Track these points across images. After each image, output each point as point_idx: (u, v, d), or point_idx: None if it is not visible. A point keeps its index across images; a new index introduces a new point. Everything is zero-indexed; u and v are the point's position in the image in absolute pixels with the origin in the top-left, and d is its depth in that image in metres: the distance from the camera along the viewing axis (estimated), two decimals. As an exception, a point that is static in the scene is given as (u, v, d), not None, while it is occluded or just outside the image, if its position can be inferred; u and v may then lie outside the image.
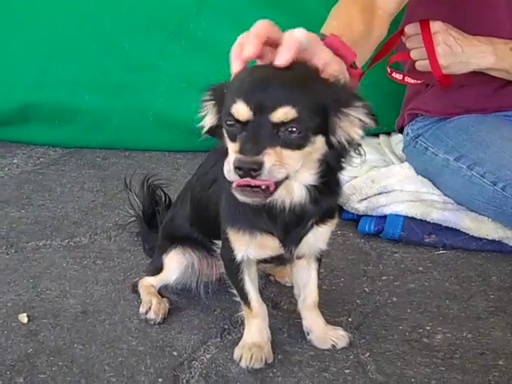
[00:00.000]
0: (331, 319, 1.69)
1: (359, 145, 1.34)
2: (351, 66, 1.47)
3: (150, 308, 1.65)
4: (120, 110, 2.92)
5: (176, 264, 1.69)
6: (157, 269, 1.73)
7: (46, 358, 1.50)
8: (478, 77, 2.15)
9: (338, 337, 1.58)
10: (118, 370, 1.46)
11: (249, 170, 1.19)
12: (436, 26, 2.03)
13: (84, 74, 2.91)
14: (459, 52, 2.03)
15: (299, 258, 1.56)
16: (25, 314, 1.66)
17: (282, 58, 1.26)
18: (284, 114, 1.20)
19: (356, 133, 1.31)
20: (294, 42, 1.27)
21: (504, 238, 2.05)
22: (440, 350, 1.58)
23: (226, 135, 1.28)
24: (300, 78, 1.27)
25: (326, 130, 1.29)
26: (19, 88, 2.94)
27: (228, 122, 1.24)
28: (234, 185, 1.24)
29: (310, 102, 1.24)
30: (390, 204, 2.16)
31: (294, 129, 1.22)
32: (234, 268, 1.50)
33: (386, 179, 2.21)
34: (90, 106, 2.92)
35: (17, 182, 2.60)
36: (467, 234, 2.09)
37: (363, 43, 1.67)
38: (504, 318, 1.72)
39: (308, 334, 1.60)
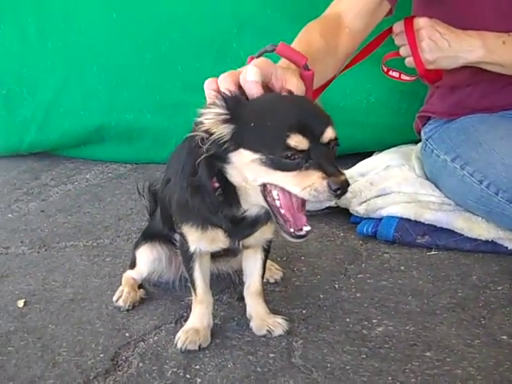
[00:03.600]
0: (285, 310, 1.79)
1: None
2: (304, 68, 1.60)
3: (120, 297, 1.85)
4: (178, 127, 3.16)
5: (144, 258, 1.88)
6: (133, 263, 1.93)
7: (21, 335, 1.75)
8: (483, 75, 2.13)
9: (274, 324, 1.67)
10: (72, 346, 1.68)
11: (346, 187, 1.35)
12: (421, 22, 2.04)
13: (146, 96, 3.21)
14: (446, 47, 2.02)
15: (247, 247, 1.69)
16: (23, 300, 1.93)
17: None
18: (332, 132, 1.38)
19: None
20: (255, 87, 1.42)
21: (497, 238, 2.02)
22: (372, 341, 1.62)
23: (269, 167, 1.36)
24: (314, 103, 1.48)
25: None
26: (94, 111, 3.31)
27: (289, 155, 1.34)
28: (290, 229, 1.43)
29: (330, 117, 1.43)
30: (387, 206, 2.20)
31: (336, 144, 1.41)
32: (187, 257, 1.66)
33: (385, 182, 2.25)
34: (152, 125, 3.22)
35: (78, 193, 2.94)
36: (461, 235, 2.07)
37: (324, 57, 1.82)
38: (459, 314, 1.72)
39: (250, 320, 1.71)
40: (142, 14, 3.09)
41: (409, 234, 2.11)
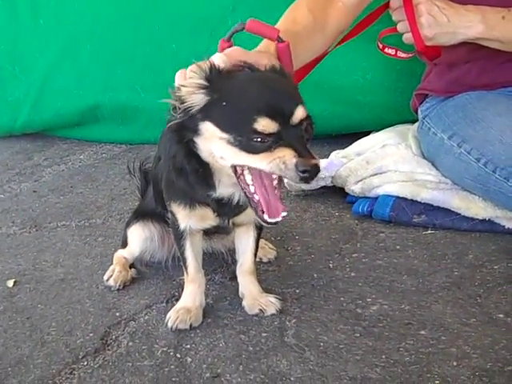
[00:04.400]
0: (278, 290, 1.76)
1: None
2: (278, 41, 1.56)
3: (110, 276, 1.82)
4: (173, 107, 3.13)
5: (136, 237, 1.85)
6: (124, 242, 1.90)
7: (9, 315, 1.72)
8: (482, 51, 2.08)
9: (267, 304, 1.65)
10: (61, 326, 1.65)
11: (315, 172, 1.31)
12: None
13: (140, 75, 3.17)
14: (445, 22, 1.97)
15: (238, 225, 1.66)
16: (12, 280, 1.90)
17: None
18: (302, 112, 1.34)
19: None
20: None
21: (494, 217, 1.99)
22: (366, 320, 1.59)
23: (237, 148, 1.34)
24: (285, 81, 1.44)
25: None
26: (88, 91, 3.27)
27: (257, 139, 1.32)
28: (263, 216, 1.39)
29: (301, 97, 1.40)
30: (383, 185, 2.16)
31: (308, 123, 1.37)
32: (178, 235, 1.63)
33: (381, 160, 2.21)
34: (146, 105, 3.17)
35: (71, 174, 2.91)
36: (459, 215, 2.04)
37: (312, 33, 1.79)
38: (455, 293, 1.69)
39: (242, 300, 1.68)
40: (136, -8, 3.03)
41: (405, 214, 2.08)
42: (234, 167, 1.38)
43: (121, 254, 1.90)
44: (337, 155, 2.42)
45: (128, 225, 1.88)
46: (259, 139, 1.31)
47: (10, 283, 1.88)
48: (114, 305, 1.74)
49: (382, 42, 2.11)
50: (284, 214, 1.39)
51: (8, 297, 1.81)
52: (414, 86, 2.47)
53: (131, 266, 1.90)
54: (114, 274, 1.82)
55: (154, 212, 1.83)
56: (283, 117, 1.32)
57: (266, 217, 1.38)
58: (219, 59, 1.42)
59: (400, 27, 2.04)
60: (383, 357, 1.44)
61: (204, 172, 1.44)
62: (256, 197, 1.38)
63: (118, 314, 1.69)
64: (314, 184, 2.31)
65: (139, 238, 1.84)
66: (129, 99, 3.20)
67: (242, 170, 1.38)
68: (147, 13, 3.08)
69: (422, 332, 1.52)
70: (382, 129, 2.68)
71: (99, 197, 2.57)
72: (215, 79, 1.36)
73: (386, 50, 2.13)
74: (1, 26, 3.28)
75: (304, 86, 2.88)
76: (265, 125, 1.30)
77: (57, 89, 3.28)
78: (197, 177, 1.46)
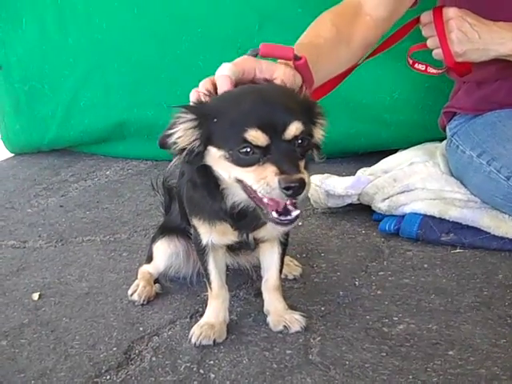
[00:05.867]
0: (303, 307, 1.74)
1: (320, 147, 1.47)
2: (295, 59, 1.55)
3: (135, 291, 1.82)
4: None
5: (161, 253, 1.84)
6: (149, 257, 1.90)
7: (34, 327, 1.72)
8: (513, 69, 2.06)
9: (292, 320, 1.63)
10: (85, 340, 1.65)
11: (298, 188, 1.27)
12: (450, 12, 1.97)
13: (166, 92, 3.18)
14: (476, 38, 1.96)
15: (262, 241, 1.64)
16: (38, 293, 1.90)
17: None
18: (296, 128, 1.31)
19: (322, 136, 1.45)
20: (224, 81, 1.41)
21: (524, 236, 1.94)
22: (393, 339, 1.56)
23: (232, 163, 1.33)
24: (286, 95, 1.41)
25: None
26: (114, 107, 3.30)
27: (245, 150, 1.30)
28: (273, 214, 1.34)
29: (303, 114, 1.36)
30: (410, 203, 2.14)
31: (305, 140, 1.34)
32: (201, 250, 1.62)
33: (409, 178, 2.19)
34: (172, 122, 3.16)
35: (98, 189, 2.92)
36: (488, 233, 2.01)
37: (335, 47, 1.78)
38: (484, 313, 1.66)
39: (267, 316, 1.66)
40: (163, 10, 3.07)
41: (433, 232, 2.05)
42: (240, 181, 1.36)
43: (146, 269, 1.89)
44: (363, 173, 2.40)
45: (154, 240, 1.87)
46: (248, 150, 1.29)
47: (36, 296, 1.89)
48: (137, 319, 1.73)
49: (412, 58, 2.09)
50: (296, 213, 1.34)
51: (33, 309, 1.81)
52: (441, 104, 2.45)
53: (156, 281, 1.89)
54: (138, 289, 1.81)
55: (179, 228, 1.82)
56: (275, 130, 1.29)
57: (274, 214, 1.33)
58: (225, 67, 1.42)
59: (430, 43, 2.02)
60: (410, 377, 1.40)
61: (215, 186, 1.43)
62: (265, 199, 1.33)
63: (141, 328, 1.68)
64: (340, 201, 2.29)
65: (164, 253, 1.83)
66: (155, 116, 3.21)
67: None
68: (174, 30, 3.10)
69: (451, 352, 1.49)
70: (409, 147, 2.65)
71: (125, 212, 2.57)
72: (199, 109, 1.35)
73: (416, 65, 2.11)
74: (30, 44, 3.32)
75: (330, 103, 2.88)
76: (254, 136, 1.28)
77: (84, 106, 3.32)
78: (208, 191, 1.45)
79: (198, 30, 3.05)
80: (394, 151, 2.71)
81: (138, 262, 2.05)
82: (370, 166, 2.48)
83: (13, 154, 3.60)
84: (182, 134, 1.35)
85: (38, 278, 2.02)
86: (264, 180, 1.28)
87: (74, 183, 3.01)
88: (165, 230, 1.87)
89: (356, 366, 1.46)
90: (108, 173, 3.18)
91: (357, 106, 2.87)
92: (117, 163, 3.32)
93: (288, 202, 1.34)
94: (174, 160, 1.39)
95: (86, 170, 3.21)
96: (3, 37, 3.37)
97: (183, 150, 1.35)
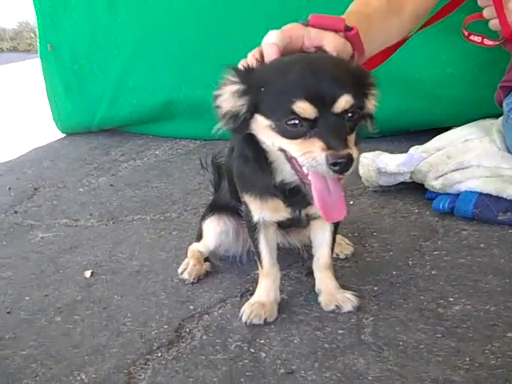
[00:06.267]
0: (355, 287, 1.71)
1: (374, 117, 1.43)
2: (346, 30, 1.51)
3: (185, 269, 1.81)
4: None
5: (211, 231, 1.83)
6: (199, 236, 1.89)
7: (87, 304, 1.74)
8: None
9: (344, 300, 1.60)
10: (136, 317, 1.65)
11: (346, 164, 1.25)
12: None
13: (214, 71, 3.14)
14: None
15: (314, 218, 1.61)
16: (90, 271, 1.92)
17: None
18: (345, 102, 1.27)
19: (375, 106, 1.40)
20: (271, 49, 1.38)
21: None
22: (449, 320, 1.52)
23: (278, 134, 1.31)
24: (337, 65, 1.36)
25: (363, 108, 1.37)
26: (162, 87, 3.29)
27: (292, 123, 1.27)
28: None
29: (354, 86, 1.32)
30: (466, 180, 2.07)
31: (355, 113, 1.31)
32: (252, 227, 1.60)
33: (463, 154, 2.12)
34: (220, 101, 3.15)
35: (147, 168, 2.93)
36: (548, 212, 1.93)
37: (385, 17, 1.72)
38: (545, 294, 1.59)
39: (318, 295, 1.64)
40: (210, -12, 3.02)
41: (489, 211, 1.99)
42: (284, 151, 1.33)
43: (195, 247, 1.89)
44: (416, 150, 2.33)
45: (203, 218, 1.86)
46: (296, 122, 1.25)
47: (88, 274, 1.90)
48: (188, 298, 1.72)
49: (468, 30, 2.02)
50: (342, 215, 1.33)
51: (86, 287, 1.83)
52: (497, 79, 2.36)
53: (206, 259, 1.88)
54: (188, 268, 1.81)
55: (228, 206, 1.80)
56: (323, 103, 1.25)
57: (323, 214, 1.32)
58: (272, 34, 1.38)
59: (486, 13, 1.95)
60: (467, 359, 1.36)
61: (265, 159, 1.41)
62: (309, 177, 1.31)
63: (191, 307, 1.68)
64: (392, 179, 2.24)
65: (214, 231, 1.82)
66: (203, 95, 3.14)
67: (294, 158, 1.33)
68: (221, 7, 3.07)
69: (509, 334, 1.44)
70: (463, 124, 2.57)
71: (174, 191, 2.57)
72: (246, 76, 1.32)
73: (472, 37, 2.04)
74: (80, 23, 3.34)
75: (380, 79, 2.82)
76: (302, 108, 1.24)
77: (132, 86, 3.33)
78: (259, 164, 1.42)
79: (245, 6, 3.01)
80: (447, 128, 2.62)
81: (188, 241, 2.04)
82: (422, 144, 2.41)
83: (64, 135, 3.63)
84: (228, 97, 1.32)
85: (90, 256, 2.03)
86: (310, 154, 1.25)
87: (123, 163, 3.03)
88: (214, 208, 1.85)
89: (410, 347, 1.42)
90: (157, 152, 3.18)
91: (408, 81, 2.80)
92: (166, 143, 3.33)
93: (337, 188, 1.31)
94: (219, 125, 1.36)
95: (136, 150, 3.23)
96: (53, 17, 3.40)
97: (227, 114, 1.32)
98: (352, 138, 1.31)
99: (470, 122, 2.57)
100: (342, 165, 1.23)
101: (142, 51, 3.28)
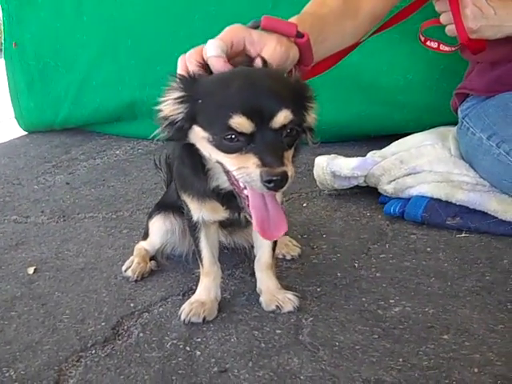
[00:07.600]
0: (299, 287, 1.70)
1: (314, 130, 1.42)
2: (297, 37, 1.50)
3: (129, 267, 1.79)
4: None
5: (157, 229, 1.81)
6: (146, 234, 1.87)
7: (26, 301, 1.71)
8: (527, 49, 1.98)
9: (284, 300, 1.58)
10: (74, 314, 1.63)
11: (280, 181, 1.23)
12: None
13: (178, 72, 3.14)
14: (491, 14, 1.88)
15: None
16: (33, 267, 1.89)
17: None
18: (284, 117, 1.25)
19: (315, 120, 1.39)
20: (218, 63, 1.35)
21: (533, 221, 1.87)
22: (387, 321, 1.52)
23: (214, 147, 1.29)
24: (277, 81, 1.34)
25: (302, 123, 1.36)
26: (126, 87, 3.27)
27: (229, 137, 1.25)
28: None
29: (293, 101, 1.30)
30: (417, 185, 2.08)
31: (293, 129, 1.29)
32: (193, 227, 1.59)
33: (416, 160, 2.13)
34: (184, 102, 3.13)
35: (106, 168, 2.91)
36: (495, 218, 1.94)
37: (340, 19, 1.70)
38: (484, 298, 1.60)
39: (260, 295, 1.63)
40: (176, -12, 3.02)
41: (438, 215, 1.99)
42: (222, 165, 1.32)
43: (142, 245, 1.87)
44: (373, 155, 2.34)
45: (150, 217, 1.85)
46: (233, 136, 1.24)
47: (31, 270, 1.88)
48: (129, 296, 1.70)
49: (424, 35, 2.02)
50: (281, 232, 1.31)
51: (27, 283, 1.80)
52: (456, 87, 2.37)
53: (152, 258, 1.86)
54: (132, 265, 1.79)
55: (175, 205, 1.78)
56: (261, 118, 1.23)
57: (258, 229, 1.31)
58: (212, 46, 1.36)
59: (443, 18, 1.96)
60: (400, 360, 1.36)
61: (202, 166, 1.39)
62: (245, 192, 1.31)
63: (132, 304, 1.66)
64: (347, 183, 2.24)
65: (160, 230, 1.80)
66: (167, 96, 3.17)
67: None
68: (187, 9, 3.07)
69: (445, 336, 1.44)
70: (423, 130, 2.58)
71: (130, 190, 2.55)
72: (190, 85, 1.31)
73: (429, 42, 2.04)
74: (45, 21, 3.32)
75: (342, 85, 2.83)
76: (239, 122, 1.22)
77: (96, 85, 3.31)
78: (195, 171, 1.42)
79: (211, 8, 3.00)
80: (408, 134, 2.62)
81: (137, 239, 2.02)
82: (380, 149, 2.42)
83: (25, 132, 3.59)
84: (169, 102, 1.31)
85: (36, 253, 2.00)
86: (245, 169, 1.24)
87: (83, 161, 3.00)
88: (161, 207, 1.83)
89: (346, 348, 1.41)
90: (118, 152, 3.16)
91: (369, 87, 2.81)
92: (128, 143, 3.31)
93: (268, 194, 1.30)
94: (158, 129, 1.34)
95: (97, 149, 3.20)
96: (18, 14, 3.36)
97: (165, 119, 1.30)
98: (289, 154, 1.29)
99: (429, 128, 2.59)
100: (277, 182, 1.22)
101: (106, 51, 3.26)
